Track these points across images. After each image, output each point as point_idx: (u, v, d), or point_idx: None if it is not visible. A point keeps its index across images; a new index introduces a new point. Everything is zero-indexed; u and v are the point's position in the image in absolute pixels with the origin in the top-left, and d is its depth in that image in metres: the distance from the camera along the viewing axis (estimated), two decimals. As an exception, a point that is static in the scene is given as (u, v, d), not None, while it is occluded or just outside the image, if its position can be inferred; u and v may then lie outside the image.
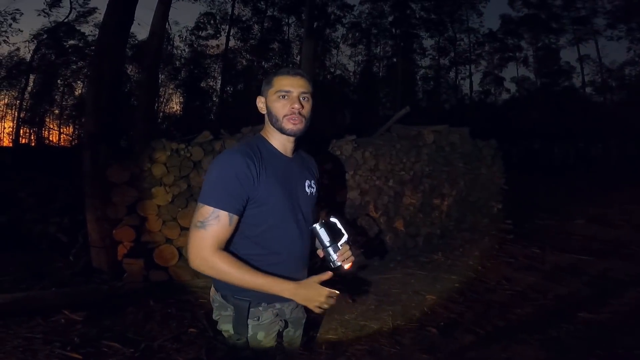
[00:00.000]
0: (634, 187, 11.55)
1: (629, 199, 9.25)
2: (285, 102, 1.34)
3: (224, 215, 1.23)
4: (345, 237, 1.38)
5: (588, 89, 30.14)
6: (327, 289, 1.28)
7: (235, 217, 1.26)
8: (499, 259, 4.83)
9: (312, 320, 1.55)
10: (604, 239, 5.77)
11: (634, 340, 2.78)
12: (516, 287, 3.91)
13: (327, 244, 1.36)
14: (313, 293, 1.27)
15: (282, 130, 1.35)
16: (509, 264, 4.68)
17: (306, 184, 1.45)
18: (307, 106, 1.37)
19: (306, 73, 1.41)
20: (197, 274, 3.70)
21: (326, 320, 3.12)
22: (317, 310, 1.31)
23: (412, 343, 2.85)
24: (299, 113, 1.33)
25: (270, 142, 1.40)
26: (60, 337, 2.74)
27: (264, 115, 1.42)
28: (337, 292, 1.30)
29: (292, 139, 1.39)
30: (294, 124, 1.33)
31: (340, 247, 1.36)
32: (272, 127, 1.38)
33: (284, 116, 1.34)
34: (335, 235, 1.38)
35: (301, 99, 1.35)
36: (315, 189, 1.49)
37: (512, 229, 6.00)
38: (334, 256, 1.35)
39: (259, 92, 1.43)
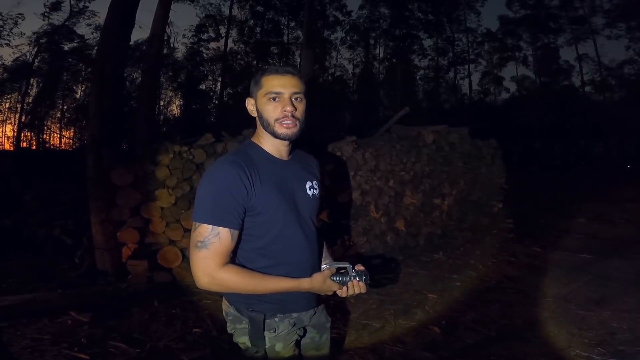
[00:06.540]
0: (635, 185, 11.56)
1: (630, 197, 9.25)
2: (277, 104, 1.25)
3: (224, 231, 1.17)
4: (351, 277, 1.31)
5: (587, 88, 30.24)
6: (337, 285, 1.29)
7: (236, 232, 1.20)
8: (500, 258, 4.85)
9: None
10: (605, 238, 5.79)
11: (635, 339, 2.80)
12: (518, 286, 3.94)
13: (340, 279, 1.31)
14: (325, 288, 1.29)
15: (274, 135, 1.27)
16: (510, 263, 4.71)
17: (307, 186, 1.36)
18: (301, 107, 1.27)
19: (297, 71, 1.30)
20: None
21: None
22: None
23: (414, 341, 2.87)
24: (292, 115, 1.24)
25: (262, 146, 1.31)
26: (67, 338, 2.78)
27: (254, 118, 1.33)
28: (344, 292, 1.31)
29: (286, 142, 1.30)
30: (287, 127, 1.24)
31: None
32: (264, 130, 1.29)
33: (276, 120, 1.25)
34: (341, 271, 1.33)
35: (293, 99, 1.25)
36: (317, 190, 1.40)
37: (513, 228, 6.02)
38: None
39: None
